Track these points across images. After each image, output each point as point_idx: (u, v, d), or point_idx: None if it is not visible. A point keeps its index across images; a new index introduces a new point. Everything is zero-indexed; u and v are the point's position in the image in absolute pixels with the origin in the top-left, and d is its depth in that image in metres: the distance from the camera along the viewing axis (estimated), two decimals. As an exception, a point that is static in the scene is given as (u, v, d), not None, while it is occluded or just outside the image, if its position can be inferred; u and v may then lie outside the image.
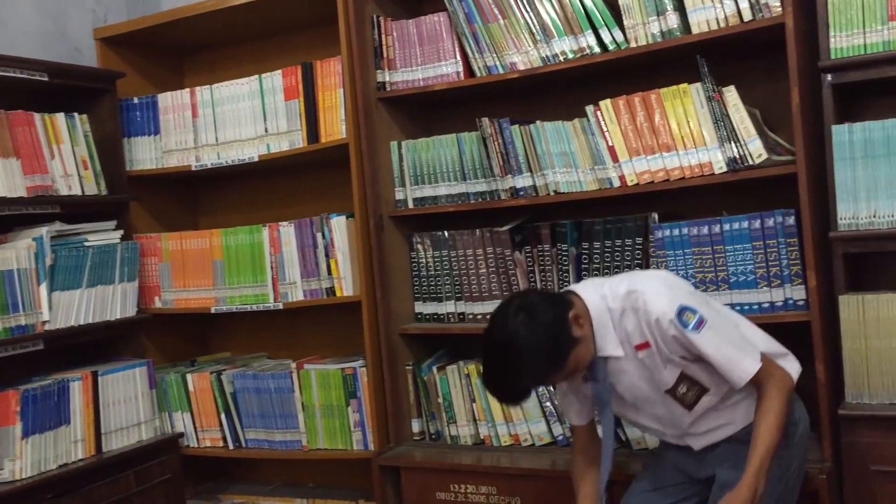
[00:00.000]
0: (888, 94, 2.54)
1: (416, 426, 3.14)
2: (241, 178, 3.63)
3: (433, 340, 3.22)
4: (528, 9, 2.81)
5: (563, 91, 3.00)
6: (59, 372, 3.00)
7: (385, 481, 3.01)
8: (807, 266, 2.44)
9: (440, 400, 3.07)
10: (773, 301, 2.53)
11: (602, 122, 2.71)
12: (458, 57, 2.96)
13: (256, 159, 3.24)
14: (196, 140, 3.37)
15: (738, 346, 2.10)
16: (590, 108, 2.73)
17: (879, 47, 2.34)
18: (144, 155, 3.44)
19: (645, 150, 2.67)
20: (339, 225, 3.11)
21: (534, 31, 2.81)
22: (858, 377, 2.38)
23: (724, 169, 2.56)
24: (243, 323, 3.68)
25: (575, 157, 2.78)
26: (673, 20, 2.61)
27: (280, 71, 3.20)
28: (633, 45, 2.68)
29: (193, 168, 3.36)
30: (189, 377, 3.39)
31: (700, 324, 2.05)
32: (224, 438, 3.37)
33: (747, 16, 2.51)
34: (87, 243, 3.04)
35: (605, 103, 2.71)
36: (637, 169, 2.68)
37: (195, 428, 3.40)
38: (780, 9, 2.44)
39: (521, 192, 2.87)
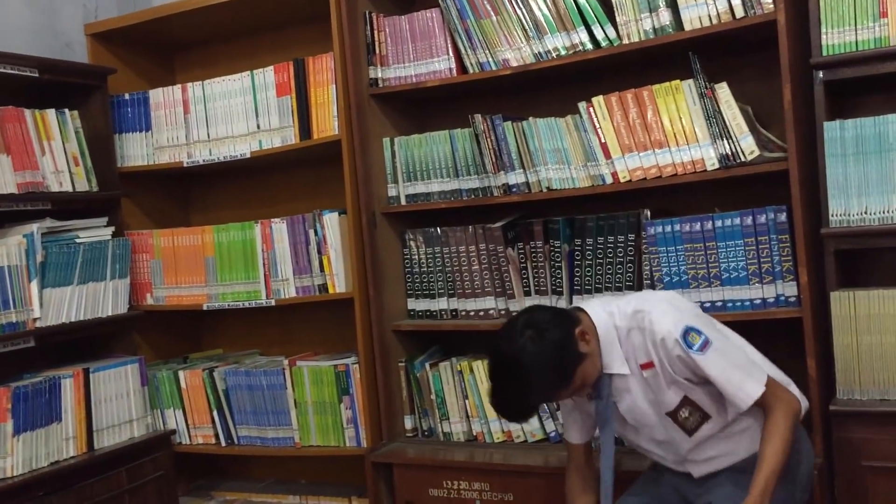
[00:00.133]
0: (880, 91, 2.55)
1: (408, 423, 3.14)
2: (233, 174, 3.63)
3: (426, 337, 3.22)
4: (521, 5, 2.81)
5: (556, 88, 3.00)
6: (50, 369, 2.99)
7: (378, 478, 3.01)
8: (798, 262, 2.45)
9: (433, 396, 3.08)
10: (764, 297, 2.54)
11: (595, 119, 2.71)
12: (451, 53, 2.96)
13: (248, 156, 3.23)
14: (188, 136, 3.36)
15: (743, 368, 2.09)
16: (582, 105, 2.73)
17: (871, 44, 2.35)
18: (136, 151, 3.43)
19: (637, 147, 2.67)
20: (331, 222, 3.11)
21: (526, 27, 2.81)
22: (850, 373, 2.38)
23: (717, 165, 2.57)
24: (235, 320, 3.68)
25: (567, 153, 2.78)
26: (665, 17, 2.61)
27: (272, 67, 3.19)
28: (625, 41, 2.68)
29: (185, 164, 3.35)
30: (181, 374, 3.38)
31: (705, 345, 2.05)
32: (216, 435, 3.36)
33: (739, 12, 2.51)
34: (78, 240, 3.03)
35: (598, 100, 2.71)
36: (629, 165, 2.68)
37: (187, 425, 3.39)
38: (772, 5, 2.45)
39: (514, 189, 2.87)
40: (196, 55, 3.71)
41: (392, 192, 3.11)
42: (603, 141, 2.71)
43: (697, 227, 2.61)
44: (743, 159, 2.52)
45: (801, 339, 2.43)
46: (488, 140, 2.88)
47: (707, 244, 2.60)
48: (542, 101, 3.04)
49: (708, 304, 2.59)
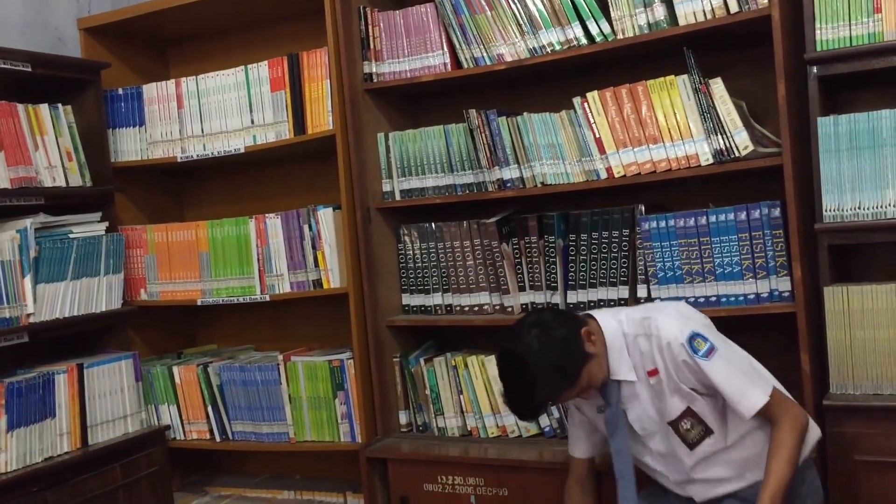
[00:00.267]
0: (874, 87, 2.55)
1: (403, 418, 3.14)
2: (228, 169, 3.62)
3: (420, 332, 3.22)
4: (515, 0, 2.80)
5: (551, 83, 3.00)
6: (44, 365, 2.98)
7: (372, 473, 3.01)
8: (792, 257, 2.45)
9: (427, 392, 3.08)
10: (758, 292, 2.54)
11: (589, 114, 2.71)
12: (446, 48, 2.95)
13: (242, 151, 3.23)
14: (182, 131, 3.35)
15: (748, 376, 2.10)
16: (577, 100, 2.73)
17: (865, 39, 2.35)
18: (129, 146, 3.42)
19: (632, 142, 2.67)
20: (326, 217, 3.11)
21: (521, 22, 2.81)
22: (843, 368, 2.39)
23: (711, 161, 2.57)
24: (230, 315, 3.67)
25: (562, 148, 2.78)
26: (660, 12, 2.61)
27: (266, 62, 3.19)
28: (620, 36, 2.67)
29: (179, 159, 3.34)
30: (175, 370, 3.38)
31: (711, 351, 2.06)
32: (211, 431, 3.36)
33: (734, 7, 2.51)
34: (71, 235, 3.02)
35: (593, 95, 2.71)
36: (624, 161, 2.68)
37: (182, 420, 3.39)
38: (766, 1, 2.45)
39: (509, 184, 2.87)
40: (190, 50, 3.70)
41: (386, 188, 3.11)
42: (597, 136, 2.71)
43: (691, 222, 2.62)
44: (737, 154, 2.52)
45: (795, 334, 2.44)
46: (483, 135, 2.88)
47: (701, 239, 2.60)
48: (536, 96, 3.04)
49: (702, 299, 2.60)
